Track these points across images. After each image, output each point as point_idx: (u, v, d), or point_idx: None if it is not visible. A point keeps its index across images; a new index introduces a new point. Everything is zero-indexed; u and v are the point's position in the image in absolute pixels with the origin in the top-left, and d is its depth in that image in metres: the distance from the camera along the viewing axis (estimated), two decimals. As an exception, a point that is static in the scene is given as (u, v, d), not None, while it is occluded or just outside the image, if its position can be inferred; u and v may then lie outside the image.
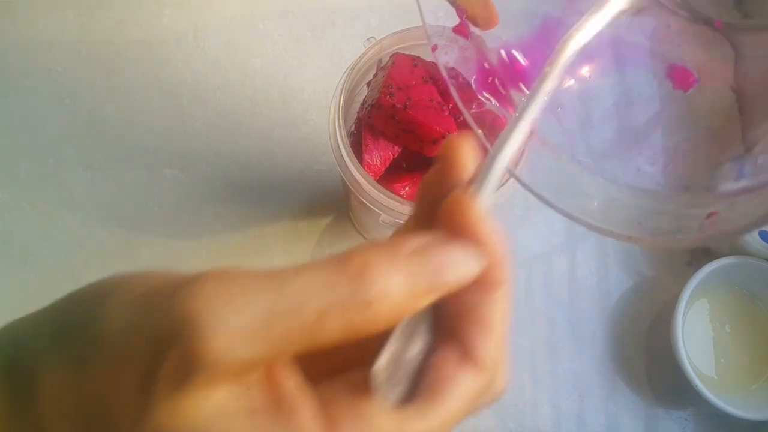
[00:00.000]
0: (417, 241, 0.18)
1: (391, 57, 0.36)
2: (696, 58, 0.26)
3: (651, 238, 0.25)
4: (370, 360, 0.18)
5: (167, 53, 0.51)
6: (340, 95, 0.34)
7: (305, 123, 0.50)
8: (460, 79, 0.37)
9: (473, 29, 0.29)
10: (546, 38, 0.29)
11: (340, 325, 0.16)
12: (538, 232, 0.52)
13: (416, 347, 0.19)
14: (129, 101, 0.49)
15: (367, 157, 0.35)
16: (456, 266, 0.18)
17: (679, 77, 0.27)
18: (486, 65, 0.30)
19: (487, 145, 0.30)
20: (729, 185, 0.23)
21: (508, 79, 0.30)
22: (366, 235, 0.48)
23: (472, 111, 0.33)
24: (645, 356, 0.51)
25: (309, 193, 0.50)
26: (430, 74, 0.36)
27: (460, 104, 0.28)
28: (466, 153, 0.20)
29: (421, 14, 0.30)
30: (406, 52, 0.36)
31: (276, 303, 0.16)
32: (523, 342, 0.50)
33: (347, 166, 0.33)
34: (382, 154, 0.35)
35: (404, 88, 0.34)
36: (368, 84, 0.38)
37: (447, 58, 0.30)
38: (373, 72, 0.37)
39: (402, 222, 0.34)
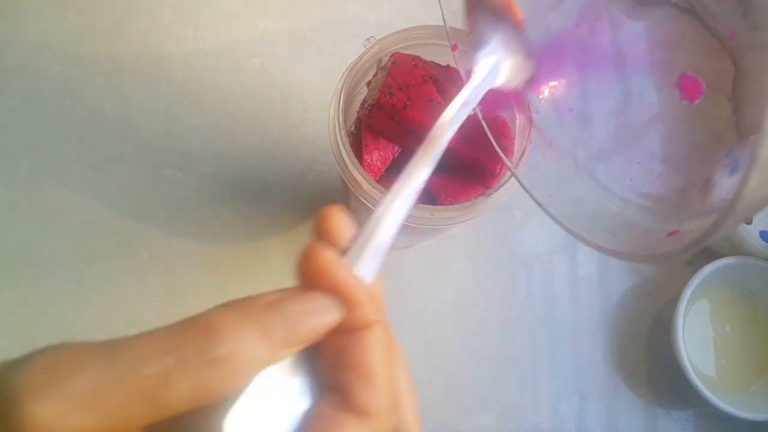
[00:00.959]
0: (270, 296, 0.18)
1: (391, 57, 0.36)
2: (703, 68, 0.27)
3: (616, 250, 0.25)
4: None
5: (167, 53, 0.51)
6: (340, 95, 0.34)
7: (305, 123, 0.50)
8: (461, 80, 0.37)
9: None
10: (557, 49, 0.29)
11: (189, 387, 0.15)
12: (539, 232, 0.52)
13: (291, 404, 0.18)
14: (129, 101, 0.49)
15: (367, 157, 0.35)
16: (310, 316, 0.18)
17: (688, 87, 0.27)
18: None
19: (499, 151, 0.30)
20: (722, 186, 0.23)
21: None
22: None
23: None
24: (645, 356, 0.51)
25: (309, 193, 0.50)
26: (430, 74, 0.36)
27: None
28: (340, 222, 0.20)
29: (443, 14, 0.30)
30: (406, 52, 0.36)
31: (110, 369, 0.15)
32: (523, 342, 0.50)
33: (347, 166, 0.33)
34: (382, 154, 0.35)
35: (404, 88, 0.34)
36: (368, 84, 0.38)
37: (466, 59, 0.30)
38: (373, 72, 0.37)
39: (402, 222, 0.34)
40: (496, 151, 0.35)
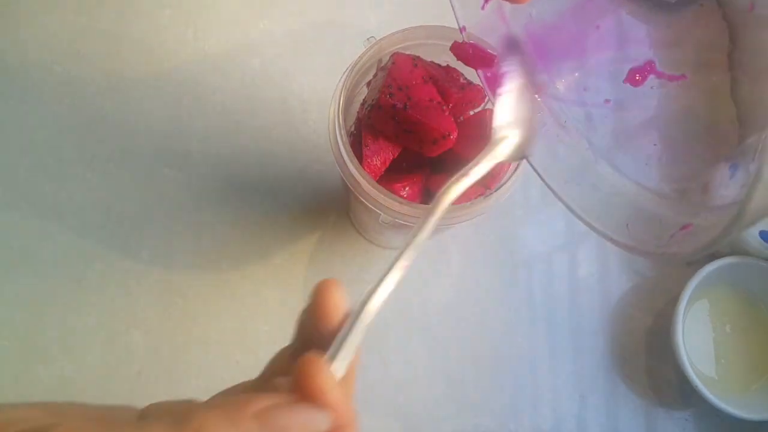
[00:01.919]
0: (263, 402, 0.19)
1: (391, 57, 0.36)
2: (692, 53, 0.26)
3: (629, 244, 0.25)
4: None
5: (167, 53, 0.50)
6: (340, 95, 0.34)
7: (305, 123, 0.50)
8: (462, 80, 0.37)
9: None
10: (574, 20, 0.29)
11: None
12: (539, 232, 0.52)
13: None
14: (129, 101, 0.49)
15: (367, 157, 0.35)
16: (298, 429, 0.19)
17: (632, 75, 0.27)
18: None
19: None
20: (723, 187, 0.23)
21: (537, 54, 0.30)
22: (366, 235, 0.48)
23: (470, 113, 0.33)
24: (645, 356, 0.51)
25: (309, 193, 0.50)
26: (430, 74, 0.36)
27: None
28: (335, 299, 0.22)
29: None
30: (406, 52, 0.36)
31: None
32: (523, 342, 0.50)
33: (347, 166, 0.33)
34: (382, 154, 0.35)
35: (404, 88, 0.34)
36: (368, 84, 0.38)
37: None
38: (373, 72, 0.37)
39: (402, 222, 0.34)
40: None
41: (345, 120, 0.35)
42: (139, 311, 0.46)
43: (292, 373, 0.20)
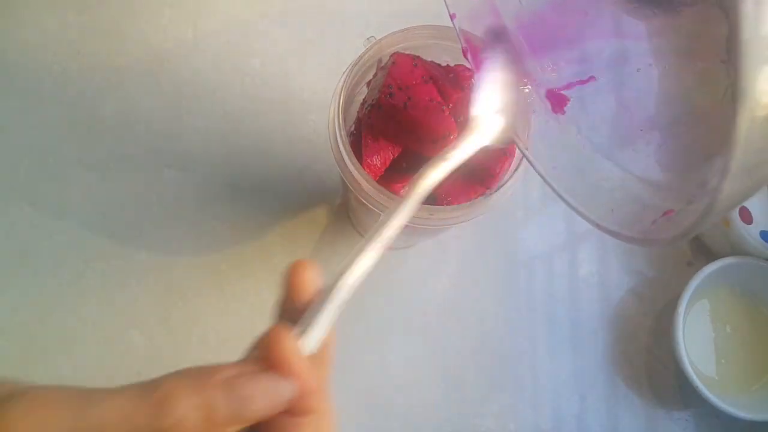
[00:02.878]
0: (230, 371, 0.19)
1: (391, 57, 0.35)
2: (687, 40, 0.26)
3: (613, 229, 0.25)
4: None
5: (167, 53, 0.50)
6: (340, 95, 0.34)
7: (305, 123, 0.50)
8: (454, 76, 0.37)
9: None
10: (564, 6, 0.29)
11: None
12: (539, 232, 0.52)
13: None
14: (129, 101, 0.49)
15: (367, 157, 0.35)
16: (262, 397, 0.19)
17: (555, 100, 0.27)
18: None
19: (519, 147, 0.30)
20: (709, 174, 0.23)
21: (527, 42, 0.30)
22: (366, 235, 0.48)
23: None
24: (645, 356, 0.51)
25: (309, 193, 0.50)
26: (430, 74, 0.36)
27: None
28: (307, 277, 0.22)
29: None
30: (406, 52, 0.36)
31: (76, 422, 0.17)
32: (524, 342, 0.50)
33: (347, 166, 0.33)
34: (382, 154, 0.35)
35: (404, 88, 0.34)
36: (368, 84, 0.38)
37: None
38: (373, 72, 0.37)
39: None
40: (496, 152, 0.35)
41: (345, 120, 0.34)
42: (139, 311, 0.46)
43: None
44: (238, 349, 0.23)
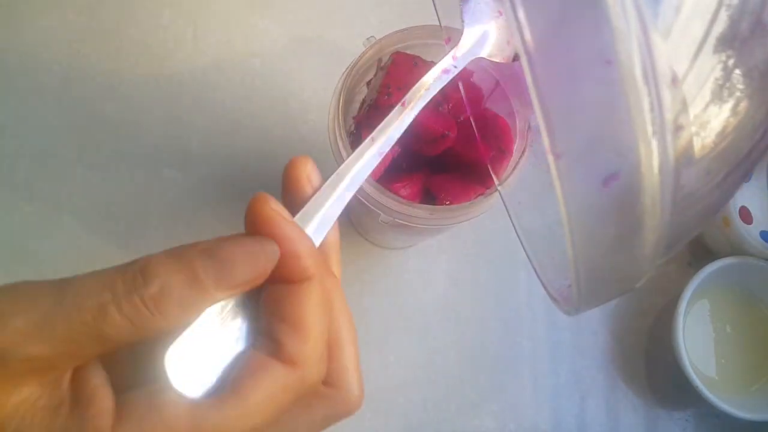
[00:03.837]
0: (209, 241, 0.19)
1: (391, 56, 0.35)
2: None
3: (540, 278, 0.25)
4: None
5: (167, 53, 0.50)
6: (340, 95, 0.34)
7: (305, 123, 0.50)
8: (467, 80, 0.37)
9: None
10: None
11: (124, 322, 0.17)
12: (539, 232, 0.52)
13: (229, 345, 0.19)
14: (129, 101, 0.49)
15: (366, 157, 0.35)
16: (243, 260, 0.19)
17: None
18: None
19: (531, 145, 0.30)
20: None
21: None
22: (366, 235, 0.48)
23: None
24: (645, 356, 0.51)
25: (309, 193, 0.49)
26: (430, 74, 0.35)
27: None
28: (307, 168, 0.23)
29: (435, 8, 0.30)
30: (406, 52, 0.36)
31: (56, 303, 0.17)
32: (524, 342, 0.50)
33: (347, 166, 0.33)
34: (381, 154, 0.35)
35: (403, 88, 0.34)
36: (368, 83, 0.38)
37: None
38: (373, 72, 0.37)
39: (402, 222, 0.34)
40: (496, 152, 0.35)
41: (345, 120, 0.34)
42: (139, 311, 0.46)
43: None
44: (238, 349, 0.23)
